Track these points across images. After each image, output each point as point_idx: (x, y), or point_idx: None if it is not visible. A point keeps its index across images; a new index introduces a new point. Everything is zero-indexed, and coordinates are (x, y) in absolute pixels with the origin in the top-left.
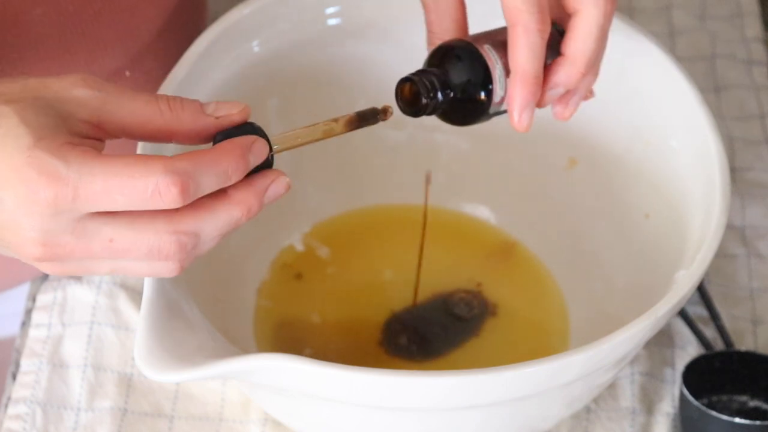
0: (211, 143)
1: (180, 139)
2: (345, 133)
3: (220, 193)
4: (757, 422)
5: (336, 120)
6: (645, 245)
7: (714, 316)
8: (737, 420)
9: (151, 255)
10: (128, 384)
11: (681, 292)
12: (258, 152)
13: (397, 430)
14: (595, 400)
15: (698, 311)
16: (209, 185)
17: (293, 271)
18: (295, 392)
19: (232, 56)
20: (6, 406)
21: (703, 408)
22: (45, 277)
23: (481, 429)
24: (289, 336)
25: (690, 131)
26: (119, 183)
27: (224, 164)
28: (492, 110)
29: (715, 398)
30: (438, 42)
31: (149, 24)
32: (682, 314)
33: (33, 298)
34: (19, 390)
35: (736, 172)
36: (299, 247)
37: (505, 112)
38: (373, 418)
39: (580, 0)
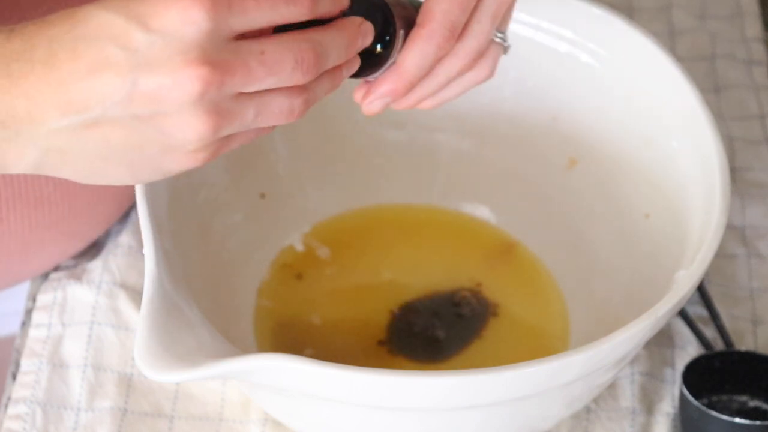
0: None
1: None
2: None
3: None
4: (757, 422)
5: None
6: (645, 245)
7: (714, 316)
8: (737, 420)
9: (296, 66)
10: (128, 384)
11: (681, 292)
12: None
13: (397, 430)
14: (595, 400)
15: (698, 311)
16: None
17: (293, 271)
18: (295, 392)
19: None
20: (6, 406)
21: (703, 408)
22: (45, 276)
23: (481, 429)
24: (289, 336)
25: (690, 131)
26: None
27: None
28: (372, 73)
29: (715, 398)
30: None
31: None
32: (682, 314)
33: (33, 298)
34: (19, 390)
35: (736, 172)
36: (299, 247)
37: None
38: (373, 418)
39: None
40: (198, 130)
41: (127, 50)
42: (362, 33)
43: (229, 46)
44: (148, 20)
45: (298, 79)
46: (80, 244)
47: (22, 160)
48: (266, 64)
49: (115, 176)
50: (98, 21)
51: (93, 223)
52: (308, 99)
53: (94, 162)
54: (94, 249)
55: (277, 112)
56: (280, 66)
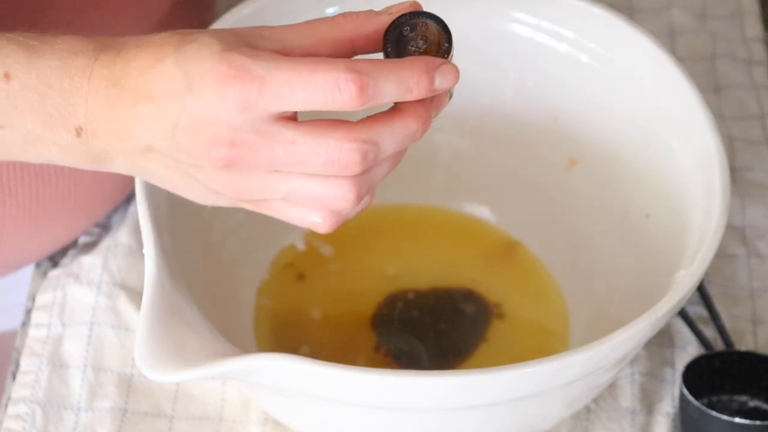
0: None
1: (360, 44)
2: None
3: (393, 108)
4: (757, 422)
5: None
6: (645, 245)
7: (714, 316)
8: (737, 420)
9: (329, 164)
10: (128, 384)
11: (681, 292)
12: (447, 75)
13: (397, 430)
14: (595, 400)
15: (698, 311)
16: (389, 92)
17: (295, 271)
18: (295, 392)
19: None
20: (6, 405)
21: (703, 408)
22: (44, 275)
23: (481, 429)
24: (289, 336)
25: (690, 131)
26: (302, 77)
27: (407, 74)
28: None
29: (715, 398)
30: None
31: None
32: (682, 314)
33: (33, 298)
34: (18, 390)
35: (736, 172)
36: (300, 246)
37: None
38: (373, 418)
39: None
40: (223, 190)
41: (179, 106)
42: (441, 73)
43: (262, 127)
44: (195, 86)
45: (336, 172)
46: (86, 223)
47: (116, 166)
48: (295, 155)
49: (179, 191)
50: (166, 70)
51: (99, 200)
52: (353, 196)
53: (160, 178)
54: (91, 244)
55: (311, 201)
56: (309, 159)
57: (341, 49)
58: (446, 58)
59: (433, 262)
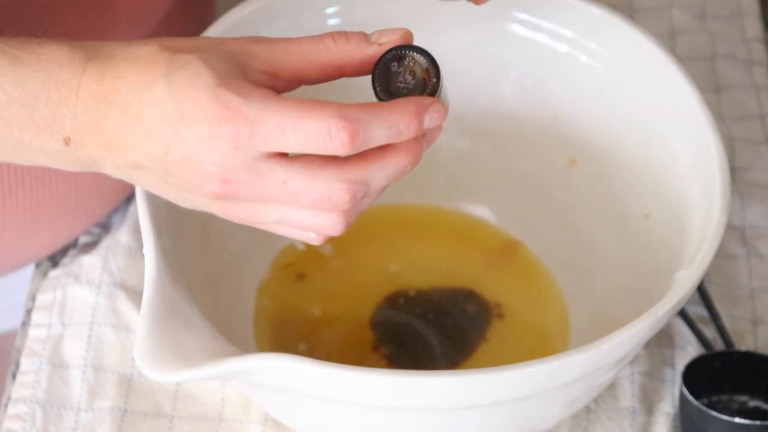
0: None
1: (349, 71)
2: None
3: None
4: (757, 422)
5: None
6: (645, 245)
7: (714, 316)
8: (737, 420)
9: (320, 203)
10: (128, 384)
11: (681, 292)
12: (435, 114)
13: (397, 430)
14: (595, 400)
15: (698, 311)
16: (379, 137)
17: (295, 270)
18: (295, 392)
19: None
20: (6, 405)
21: (703, 408)
22: (44, 275)
23: (481, 429)
24: (289, 336)
25: (690, 131)
26: (293, 122)
27: (397, 118)
28: None
29: (715, 398)
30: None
31: None
32: (682, 314)
33: (33, 298)
34: (18, 390)
35: (736, 172)
36: (300, 245)
37: None
38: (373, 418)
39: None
40: (215, 213)
41: (171, 134)
42: (430, 113)
43: (254, 165)
44: (187, 119)
45: (326, 209)
46: (86, 223)
47: (106, 171)
48: (286, 192)
49: (170, 199)
50: (157, 95)
51: (99, 200)
52: (339, 223)
53: (150, 188)
54: (91, 244)
55: (302, 227)
56: (300, 196)
57: (329, 73)
58: (435, 93)
59: (433, 262)
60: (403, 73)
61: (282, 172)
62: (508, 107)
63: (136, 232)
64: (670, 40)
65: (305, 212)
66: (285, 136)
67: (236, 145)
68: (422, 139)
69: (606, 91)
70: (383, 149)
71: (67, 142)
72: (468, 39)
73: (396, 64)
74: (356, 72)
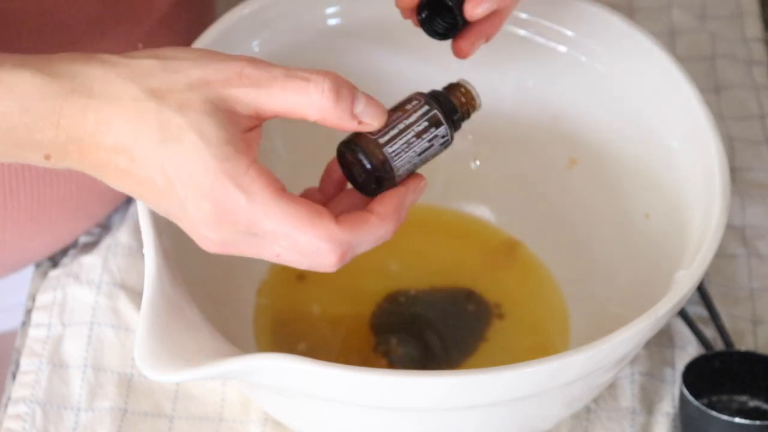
0: None
1: (326, 126)
2: None
3: (372, 213)
4: (757, 422)
5: None
6: (645, 245)
7: (714, 316)
8: (737, 420)
9: (313, 263)
10: (128, 384)
11: (681, 292)
12: (413, 199)
13: (397, 430)
14: (595, 400)
15: (698, 311)
16: (365, 249)
17: (295, 271)
18: (295, 392)
19: None
20: (6, 405)
21: (703, 408)
22: (44, 275)
23: (481, 429)
24: (288, 336)
25: (690, 131)
26: (285, 233)
27: (383, 232)
28: None
29: (715, 398)
30: None
31: None
32: (682, 314)
33: (33, 298)
34: (18, 390)
35: (736, 172)
36: None
37: None
38: (373, 418)
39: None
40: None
41: (165, 195)
42: (409, 203)
43: (250, 241)
44: (182, 194)
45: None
46: (87, 223)
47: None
48: (279, 246)
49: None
50: (149, 158)
51: (99, 201)
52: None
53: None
54: (91, 244)
55: (298, 264)
56: (292, 263)
57: (308, 120)
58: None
59: (433, 262)
60: (363, 165)
61: (277, 248)
62: (508, 107)
63: (136, 232)
64: (670, 40)
65: (299, 255)
66: (278, 241)
67: (234, 229)
68: (405, 207)
69: (606, 91)
70: (370, 218)
71: (48, 158)
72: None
73: (351, 157)
74: (333, 128)
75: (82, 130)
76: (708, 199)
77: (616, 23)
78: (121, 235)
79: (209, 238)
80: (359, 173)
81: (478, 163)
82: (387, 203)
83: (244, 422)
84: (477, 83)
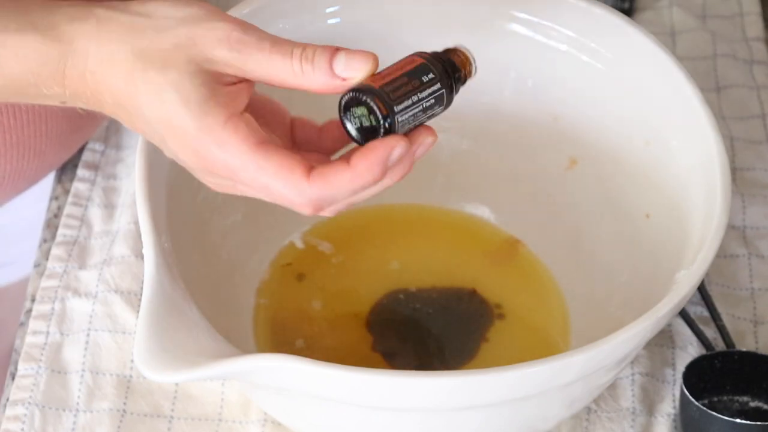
0: None
1: (314, 92)
2: None
3: (348, 163)
4: (758, 423)
5: None
6: (645, 245)
7: (714, 317)
8: (738, 420)
9: (294, 209)
10: (127, 385)
11: (682, 293)
12: (398, 159)
13: (396, 430)
14: (596, 401)
15: (699, 311)
16: (346, 201)
17: (294, 270)
18: (295, 392)
19: None
20: (4, 407)
21: (704, 408)
22: (43, 272)
23: (482, 429)
24: (288, 336)
25: (691, 131)
26: (262, 185)
27: (358, 185)
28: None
29: (715, 399)
30: None
31: None
32: (683, 314)
33: (32, 298)
34: (17, 392)
35: (736, 172)
36: (299, 244)
37: None
38: (373, 418)
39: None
40: (197, 175)
41: (158, 141)
42: (393, 158)
43: (235, 185)
44: (171, 146)
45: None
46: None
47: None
48: (260, 185)
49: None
50: (140, 120)
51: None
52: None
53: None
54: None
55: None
56: (279, 203)
57: (295, 88)
58: (392, 130)
59: (434, 262)
60: (367, 115)
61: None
62: (508, 107)
63: (130, 239)
64: (670, 40)
65: (283, 204)
66: (257, 190)
67: (221, 177)
68: (383, 161)
69: (606, 91)
70: (346, 168)
71: (63, 103)
72: (468, 39)
73: (354, 109)
74: (322, 93)
75: (84, 89)
76: (709, 199)
77: (616, 23)
78: (116, 248)
79: (206, 180)
80: (357, 123)
81: (466, 144)
82: (368, 155)
83: (244, 422)
84: (477, 83)
